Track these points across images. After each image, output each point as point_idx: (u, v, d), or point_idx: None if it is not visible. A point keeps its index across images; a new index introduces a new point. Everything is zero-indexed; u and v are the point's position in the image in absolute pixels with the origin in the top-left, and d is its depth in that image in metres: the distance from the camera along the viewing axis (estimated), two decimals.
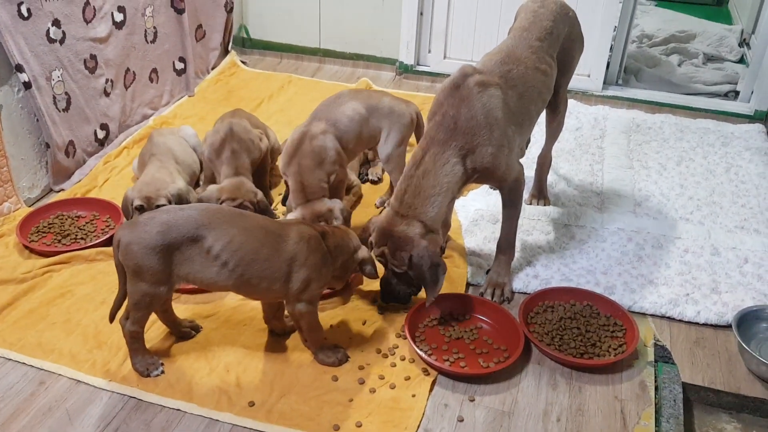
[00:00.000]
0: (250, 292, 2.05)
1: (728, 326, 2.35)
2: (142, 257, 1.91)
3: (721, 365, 2.23)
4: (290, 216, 2.47)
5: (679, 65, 4.48)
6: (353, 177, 3.03)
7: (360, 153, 2.99)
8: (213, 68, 4.17)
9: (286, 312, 2.25)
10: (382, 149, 2.70)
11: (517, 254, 2.58)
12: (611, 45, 4.04)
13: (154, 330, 2.25)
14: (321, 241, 2.06)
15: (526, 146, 3.15)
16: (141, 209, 2.53)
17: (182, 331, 2.23)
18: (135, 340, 2.06)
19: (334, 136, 2.53)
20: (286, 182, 2.80)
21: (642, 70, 4.32)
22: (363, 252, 2.17)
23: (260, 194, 2.69)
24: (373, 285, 2.51)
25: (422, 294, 2.31)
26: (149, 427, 1.95)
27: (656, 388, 2.11)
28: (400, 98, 2.79)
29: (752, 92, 3.98)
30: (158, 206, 2.50)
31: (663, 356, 2.24)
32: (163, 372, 2.11)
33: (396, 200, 2.21)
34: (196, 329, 2.27)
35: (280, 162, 2.58)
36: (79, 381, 2.09)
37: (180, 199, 2.60)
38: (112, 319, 2.08)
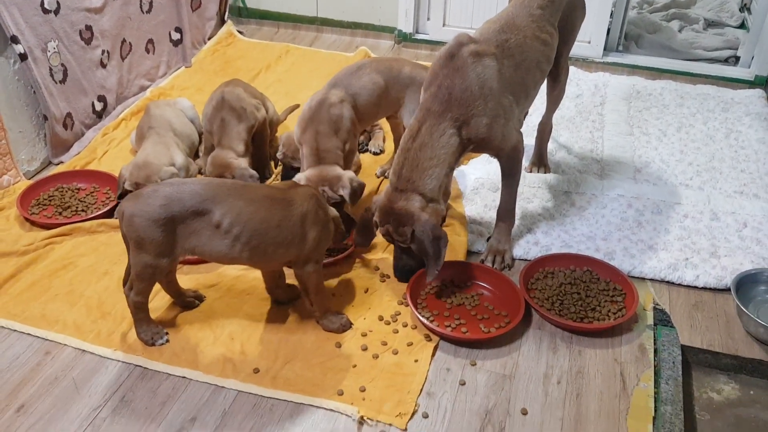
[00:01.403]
0: (263, 260, 2.05)
1: (727, 290, 2.37)
2: (144, 229, 1.92)
3: (719, 328, 2.26)
4: (297, 177, 2.44)
5: (679, 31, 4.45)
6: None
7: (373, 123, 2.99)
8: (209, 38, 4.13)
9: (287, 282, 2.27)
10: (406, 120, 2.69)
11: (517, 221, 2.59)
12: (611, 11, 4.01)
13: (159, 300, 2.26)
14: (321, 198, 2.10)
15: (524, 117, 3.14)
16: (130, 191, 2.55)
17: (186, 301, 2.25)
18: (139, 310, 2.08)
19: (351, 105, 2.52)
20: (280, 163, 2.79)
21: (642, 36, 4.29)
22: (333, 211, 2.20)
23: (235, 165, 2.63)
24: (374, 254, 2.53)
25: None
26: (156, 394, 1.98)
27: (655, 351, 2.14)
28: (420, 64, 2.77)
29: (753, 58, 3.96)
30: None
31: (662, 320, 2.26)
32: (167, 341, 2.13)
33: (394, 175, 2.21)
34: (200, 299, 2.29)
35: (295, 129, 2.57)
36: (84, 351, 2.11)
37: None
38: (125, 284, 2.10)
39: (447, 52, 2.22)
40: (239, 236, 1.96)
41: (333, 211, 2.19)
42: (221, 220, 1.95)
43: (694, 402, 2.01)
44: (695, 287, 2.41)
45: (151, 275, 2.00)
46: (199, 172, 2.88)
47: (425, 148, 2.17)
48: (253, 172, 2.66)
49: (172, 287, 2.21)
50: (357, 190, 2.45)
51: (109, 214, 2.67)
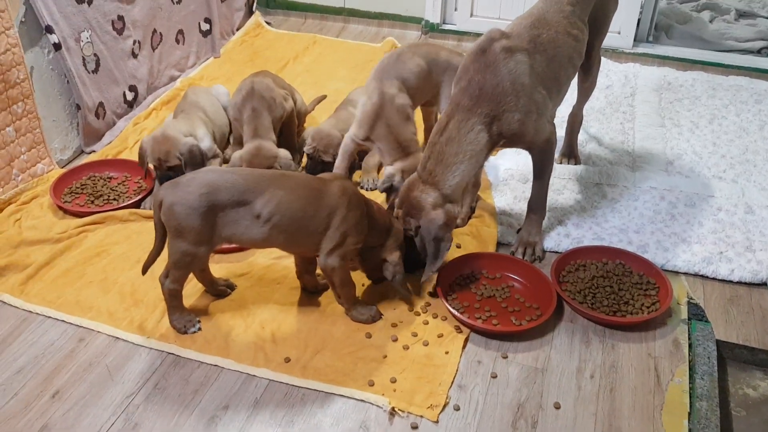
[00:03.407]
0: (294, 246, 2.07)
1: (763, 284, 2.34)
2: (185, 218, 1.93)
3: (755, 323, 2.22)
4: (389, 170, 2.48)
5: (710, 21, 4.38)
6: None
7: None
8: (238, 29, 4.15)
9: (318, 270, 2.27)
10: (443, 104, 2.70)
11: (548, 213, 2.57)
12: (642, 2, 3.96)
13: (190, 288, 2.27)
14: (364, 202, 2.09)
15: None
16: (154, 169, 2.64)
17: (218, 290, 2.26)
18: (174, 298, 2.09)
19: (406, 94, 2.56)
20: (307, 155, 2.80)
21: (673, 27, 4.22)
22: (393, 256, 2.15)
23: (281, 155, 2.67)
24: None
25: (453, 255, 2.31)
26: (188, 382, 1.99)
27: (690, 346, 2.11)
28: (455, 50, 2.78)
29: None
30: (169, 168, 2.57)
31: (697, 314, 2.23)
32: (200, 329, 2.14)
33: (421, 166, 2.21)
34: (231, 287, 2.30)
35: (358, 129, 2.57)
36: (117, 338, 2.13)
37: (192, 155, 2.60)
38: (144, 271, 2.10)
39: (478, 47, 2.20)
40: (278, 224, 1.98)
41: (394, 256, 2.15)
42: (262, 210, 1.96)
43: (729, 398, 1.98)
44: (730, 281, 2.38)
45: (188, 263, 2.02)
46: (225, 162, 2.88)
47: (452, 143, 2.15)
48: (294, 164, 2.71)
49: (205, 276, 2.23)
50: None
51: (140, 203, 2.70)
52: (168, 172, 2.59)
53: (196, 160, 2.62)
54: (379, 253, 2.17)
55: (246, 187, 1.97)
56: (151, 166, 2.67)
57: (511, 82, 2.15)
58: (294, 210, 1.98)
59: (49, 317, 2.20)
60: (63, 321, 2.18)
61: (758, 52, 4.08)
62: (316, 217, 2.01)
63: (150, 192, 2.71)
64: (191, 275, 2.22)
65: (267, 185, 1.99)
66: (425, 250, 2.19)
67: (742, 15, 4.52)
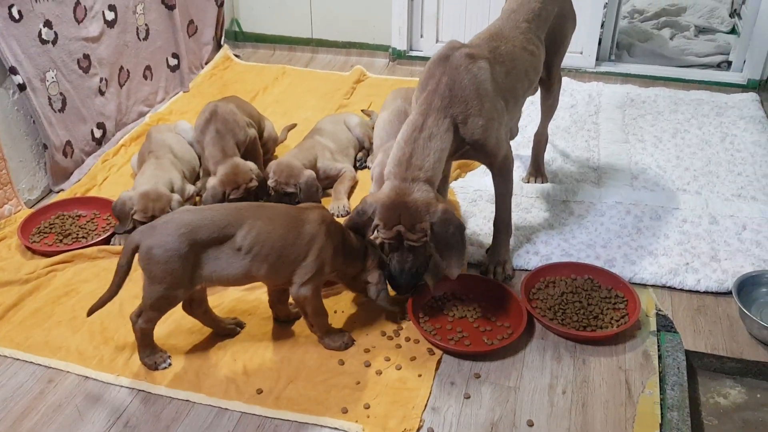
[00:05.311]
0: (275, 277, 2.05)
1: (728, 293, 2.37)
2: (165, 261, 1.90)
3: (723, 331, 2.25)
4: None
5: (671, 38, 4.48)
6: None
7: None
8: (206, 63, 4.17)
9: (290, 300, 2.26)
10: None
11: (516, 232, 2.59)
12: (602, 21, 4.04)
13: (160, 322, 2.25)
14: (341, 232, 2.09)
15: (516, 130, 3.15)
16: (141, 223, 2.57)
17: (227, 329, 2.23)
18: (145, 337, 2.08)
19: None
20: (271, 188, 2.82)
21: (634, 45, 4.32)
22: (374, 276, 2.17)
23: (254, 167, 2.76)
24: None
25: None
26: (159, 418, 1.97)
27: (660, 357, 2.13)
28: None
29: (744, 62, 3.99)
30: None
31: (665, 325, 2.26)
32: (170, 364, 2.13)
33: (399, 166, 2.09)
34: (240, 325, 2.26)
35: (373, 188, 2.51)
36: (87, 377, 2.10)
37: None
38: (89, 314, 2.07)
39: (441, 54, 2.23)
40: (259, 254, 1.97)
41: (374, 276, 2.18)
42: (243, 242, 1.96)
43: (701, 407, 2.00)
44: (697, 292, 2.41)
45: (165, 306, 2.00)
46: (198, 194, 2.88)
47: (434, 139, 2.11)
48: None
49: (208, 317, 2.19)
50: None
51: (109, 240, 2.69)
52: None
53: None
54: (361, 277, 2.18)
55: (226, 221, 1.96)
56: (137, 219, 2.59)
57: (475, 86, 2.17)
58: (274, 239, 1.98)
59: (18, 359, 2.17)
60: (32, 362, 2.16)
61: (718, 66, 4.18)
62: (296, 245, 2.01)
63: None
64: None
65: (246, 217, 1.99)
66: (447, 246, 2.09)
67: (701, 31, 4.64)
